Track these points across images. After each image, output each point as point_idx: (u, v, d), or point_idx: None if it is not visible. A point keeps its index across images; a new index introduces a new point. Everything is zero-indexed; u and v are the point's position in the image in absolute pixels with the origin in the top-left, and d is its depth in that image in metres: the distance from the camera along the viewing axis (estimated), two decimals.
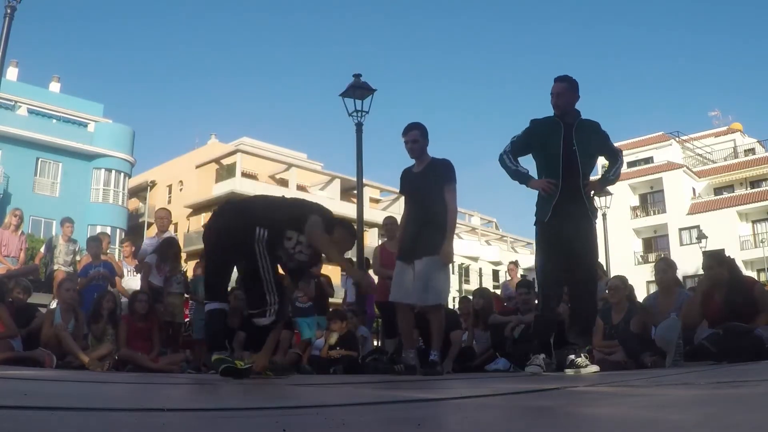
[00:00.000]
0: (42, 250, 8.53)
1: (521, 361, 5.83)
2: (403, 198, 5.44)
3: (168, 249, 7.09)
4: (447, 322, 5.80)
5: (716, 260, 5.38)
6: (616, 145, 5.03)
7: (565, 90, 4.60)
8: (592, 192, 4.63)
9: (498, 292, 10.48)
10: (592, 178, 4.77)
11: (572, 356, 4.38)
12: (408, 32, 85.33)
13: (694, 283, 10.18)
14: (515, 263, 10.27)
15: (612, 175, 4.80)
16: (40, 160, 29.28)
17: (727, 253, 5.72)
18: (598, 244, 4.88)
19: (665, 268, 5.96)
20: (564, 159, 4.51)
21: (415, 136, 5.02)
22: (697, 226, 30.82)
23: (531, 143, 4.69)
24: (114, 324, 6.26)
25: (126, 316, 6.33)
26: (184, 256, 8.68)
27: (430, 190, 4.93)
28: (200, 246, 4.82)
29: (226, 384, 3.47)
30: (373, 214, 33.42)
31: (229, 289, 7.72)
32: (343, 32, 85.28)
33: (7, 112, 28.64)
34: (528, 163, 4.75)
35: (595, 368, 4.43)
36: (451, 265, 5.11)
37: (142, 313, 6.23)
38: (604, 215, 15.60)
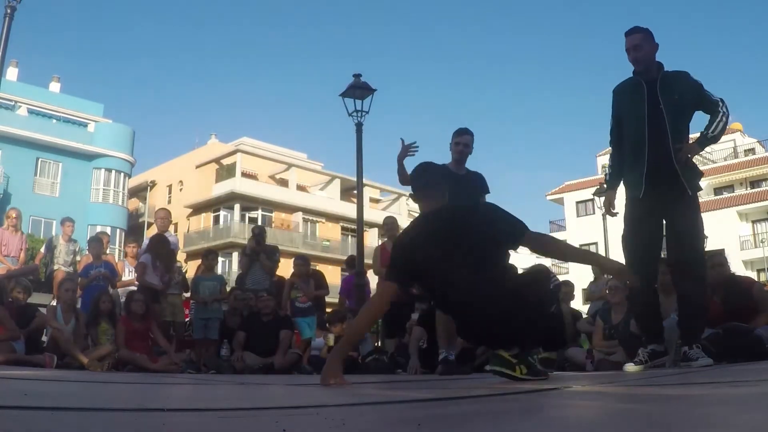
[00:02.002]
0: (42, 250, 8.54)
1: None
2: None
3: (161, 246, 7.10)
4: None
5: (718, 260, 5.38)
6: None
7: (642, 40, 4.07)
8: (689, 156, 3.99)
9: None
10: (692, 137, 4.15)
11: (685, 348, 4.03)
12: (408, 32, 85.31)
13: None
14: None
15: (713, 132, 4.05)
16: (40, 160, 29.30)
17: (726, 254, 5.73)
18: (700, 220, 4.16)
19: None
20: (650, 122, 4.00)
21: (468, 140, 5.13)
22: None
23: (621, 116, 4.21)
24: (113, 324, 6.26)
25: (124, 317, 6.32)
26: (183, 256, 8.68)
27: (472, 197, 5.00)
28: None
29: (226, 384, 3.47)
30: (373, 214, 33.42)
31: (228, 289, 7.77)
32: (343, 32, 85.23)
33: (7, 112, 28.66)
34: None
35: (707, 361, 3.94)
36: None
37: (139, 313, 6.22)
38: (603, 215, 15.58)
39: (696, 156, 4.20)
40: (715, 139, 4.12)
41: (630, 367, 4.24)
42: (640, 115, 4.05)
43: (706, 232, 4.35)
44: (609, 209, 4.34)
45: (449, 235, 3.01)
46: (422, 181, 3.36)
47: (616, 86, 4.29)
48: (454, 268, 2.93)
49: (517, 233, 3.06)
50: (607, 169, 4.39)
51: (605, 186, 4.36)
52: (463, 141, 5.10)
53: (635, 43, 4.07)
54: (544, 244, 3.15)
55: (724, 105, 4.06)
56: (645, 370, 4.06)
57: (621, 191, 4.31)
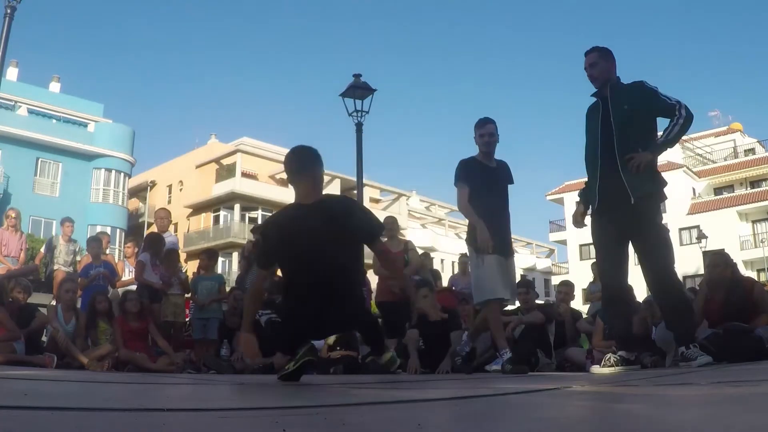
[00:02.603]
0: (42, 250, 8.54)
1: (521, 361, 5.84)
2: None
3: (158, 244, 7.11)
4: (448, 321, 5.82)
5: (722, 259, 5.38)
6: None
7: (598, 58, 4.25)
8: (639, 166, 4.00)
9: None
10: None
11: (682, 349, 4.06)
12: (408, 32, 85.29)
13: (694, 283, 10.19)
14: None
15: (667, 136, 4.08)
16: (40, 160, 29.30)
17: (724, 253, 5.72)
18: (658, 225, 4.22)
19: None
20: (602, 137, 4.13)
21: (492, 129, 5.03)
22: (697, 226, 30.86)
23: (586, 137, 4.39)
24: (112, 324, 6.25)
25: (119, 317, 6.30)
26: (184, 256, 8.67)
27: (503, 188, 5.05)
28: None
29: (226, 384, 3.47)
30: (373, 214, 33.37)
31: (228, 289, 7.76)
32: (343, 32, 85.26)
33: (7, 112, 28.66)
34: None
35: (706, 359, 3.93)
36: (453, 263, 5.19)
37: (134, 312, 6.19)
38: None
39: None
40: (670, 143, 4.14)
41: (596, 369, 4.28)
42: (595, 133, 4.23)
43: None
44: (576, 221, 4.45)
45: (317, 225, 3.13)
46: (294, 165, 3.35)
47: (587, 109, 4.46)
48: (316, 257, 3.12)
49: (374, 233, 3.40)
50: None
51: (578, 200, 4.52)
52: (487, 131, 4.98)
53: (591, 62, 4.27)
54: (381, 260, 3.50)
55: (681, 108, 4.05)
56: (612, 374, 4.10)
57: None
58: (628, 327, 4.42)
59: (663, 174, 4.37)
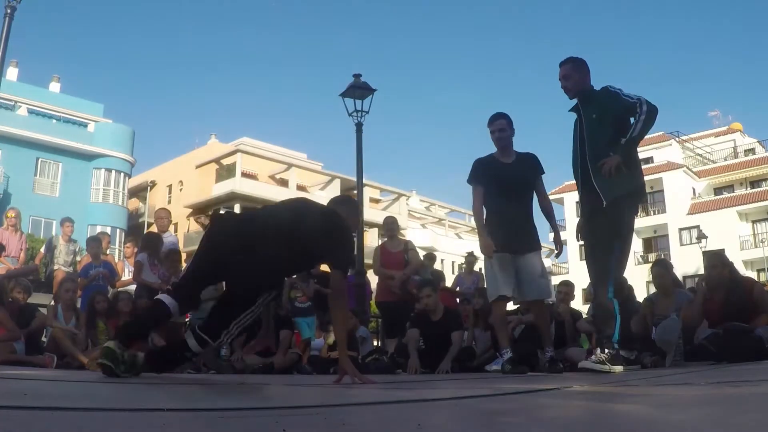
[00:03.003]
0: (42, 250, 8.53)
1: (522, 361, 5.83)
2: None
3: (154, 243, 7.10)
4: (449, 321, 5.81)
5: (719, 260, 5.38)
6: None
7: (572, 70, 4.36)
8: (610, 169, 4.09)
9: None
10: None
11: (597, 350, 4.22)
12: (408, 32, 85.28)
13: (694, 283, 10.18)
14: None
15: (632, 134, 4.13)
16: (40, 160, 29.28)
17: (726, 254, 5.72)
18: (619, 230, 4.25)
19: (662, 273, 5.88)
20: (579, 149, 4.28)
21: (503, 125, 4.95)
22: (697, 226, 30.85)
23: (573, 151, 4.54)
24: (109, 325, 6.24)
25: (113, 318, 6.26)
26: (183, 256, 8.65)
27: (528, 183, 4.96)
28: None
29: (226, 384, 3.47)
30: (373, 214, 33.41)
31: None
32: (343, 32, 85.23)
33: (7, 112, 28.64)
34: None
35: (618, 368, 3.99)
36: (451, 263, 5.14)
37: (127, 312, 6.18)
38: None
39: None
40: (635, 141, 4.18)
41: (586, 364, 4.25)
42: (575, 146, 4.37)
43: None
44: (577, 235, 4.66)
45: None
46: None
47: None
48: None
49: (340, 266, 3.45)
50: None
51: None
52: (497, 127, 4.92)
53: (564, 74, 4.37)
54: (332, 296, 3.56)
55: (642, 104, 4.12)
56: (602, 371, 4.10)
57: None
58: (627, 326, 4.42)
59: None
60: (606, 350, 4.11)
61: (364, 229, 11.40)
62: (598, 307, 4.39)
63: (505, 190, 4.91)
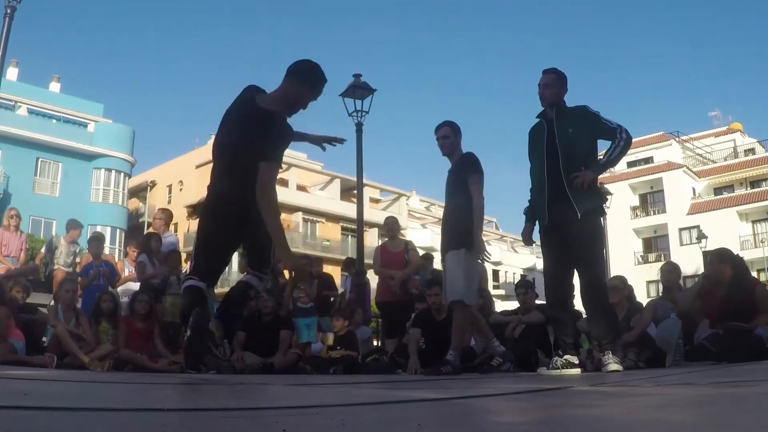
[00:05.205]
0: (42, 250, 8.52)
1: (521, 361, 5.83)
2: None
3: (150, 242, 7.12)
4: (451, 322, 5.80)
5: (718, 257, 5.39)
6: None
7: (553, 81, 4.51)
8: (583, 184, 4.30)
9: (501, 291, 10.35)
10: None
11: (601, 355, 4.34)
12: (408, 32, 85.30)
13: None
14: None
15: (609, 157, 4.44)
16: (40, 160, 29.29)
17: (733, 253, 5.73)
18: (598, 240, 4.59)
19: (671, 269, 6.09)
20: (548, 156, 4.41)
21: (446, 132, 5.02)
22: (697, 226, 30.84)
23: (530, 156, 4.67)
24: (114, 324, 6.25)
25: (126, 317, 6.32)
26: (183, 256, 8.65)
27: (454, 185, 4.97)
28: None
29: (226, 384, 3.47)
30: (373, 214, 33.41)
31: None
32: (343, 33, 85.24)
33: (7, 112, 28.66)
34: None
35: (575, 371, 4.34)
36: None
37: (142, 314, 6.22)
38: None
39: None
40: (611, 163, 4.54)
41: (544, 371, 4.46)
42: (540, 153, 4.47)
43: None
44: (526, 240, 4.82)
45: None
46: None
47: (530, 129, 4.69)
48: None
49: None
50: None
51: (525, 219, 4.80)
52: (440, 134, 5.04)
53: (546, 83, 4.50)
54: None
55: (622, 131, 4.41)
56: (558, 376, 4.23)
57: None
58: (576, 333, 4.74)
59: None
60: (609, 352, 4.26)
61: (364, 229, 11.40)
62: (597, 305, 4.44)
63: (445, 195, 5.13)
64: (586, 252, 4.41)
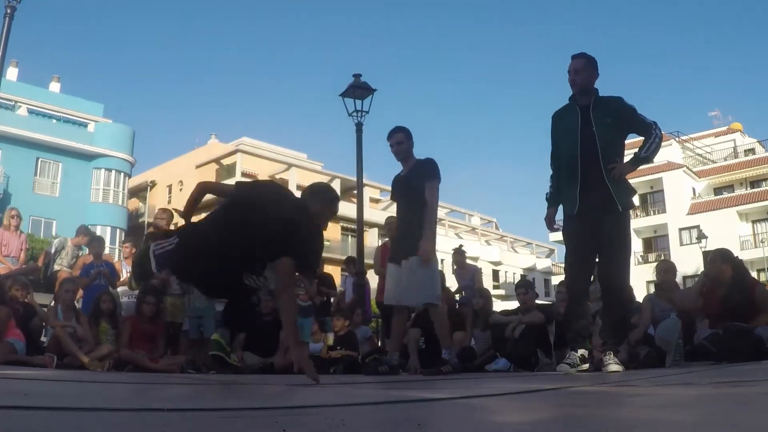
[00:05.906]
0: (51, 250, 8.48)
1: (521, 361, 5.84)
2: None
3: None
4: (452, 322, 5.79)
5: (720, 256, 5.39)
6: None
7: (584, 66, 4.35)
8: (620, 176, 4.24)
9: (501, 291, 10.32)
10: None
11: (602, 355, 4.30)
12: (408, 32, 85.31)
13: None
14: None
15: (645, 152, 4.33)
16: (40, 160, 29.28)
17: (733, 253, 5.74)
18: (629, 237, 4.44)
19: (667, 269, 6.07)
20: (582, 144, 4.25)
21: (400, 138, 5.02)
22: (697, 226, 30.84)
23: (557, 140, 4.50)
24: (114, 324, 6.25)
25: (132, 317, 6.30)
26: None
27: (413, 191, 4.92)
28: None
29: (226, 384, 3.47)
30: (373, 214, 33.43)
31: None
32: (342, 32, 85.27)
33: (7, 112, 28.64)
34: None
35: (615, 367, 4.16)
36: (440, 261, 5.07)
37: (149, 316, 6.22)
38: None
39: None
40: (648, 159, 4.40)
41: (564, 368, 4.35)
42: (573, 138, 4.30)
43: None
44: (550, 225, 4.63)
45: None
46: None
47: (555, 112, 4.54)
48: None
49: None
50: (548, 188, 4.65)
51: (547, 204, 4.62)
52: (394, 140, 5.03)
53: (576, 68, 4.35)
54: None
55: (657, 128, 4.33)
56: (577, 372, 4.23)
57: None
58: (587, 326, 4.64)
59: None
60: (609, 353, 4.23)
61: (364, 229, 11.40)
62: (618, 307, 4.39)
63: (398, 200, 5.11)
64: (620, 247, 4.31)
